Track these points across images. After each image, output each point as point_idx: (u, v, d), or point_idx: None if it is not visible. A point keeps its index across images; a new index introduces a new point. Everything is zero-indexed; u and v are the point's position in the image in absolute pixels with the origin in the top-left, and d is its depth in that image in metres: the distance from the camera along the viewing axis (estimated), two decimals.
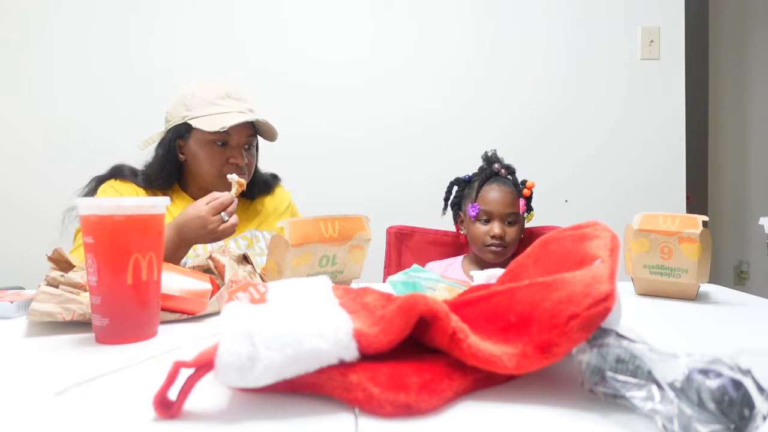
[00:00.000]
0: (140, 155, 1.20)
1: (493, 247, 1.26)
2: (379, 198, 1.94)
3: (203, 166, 1.13)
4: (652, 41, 2.03)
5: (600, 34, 2.03)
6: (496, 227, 1.25)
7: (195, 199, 1.17)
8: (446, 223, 1.46)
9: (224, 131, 1.08)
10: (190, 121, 1.11)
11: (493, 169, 1.31)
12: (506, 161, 1.38)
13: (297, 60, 1.97)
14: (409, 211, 1.79)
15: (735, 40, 2.76)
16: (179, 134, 1.14)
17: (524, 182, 1.31)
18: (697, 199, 2.89)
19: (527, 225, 1.35)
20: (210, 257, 0.78)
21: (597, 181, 2.03)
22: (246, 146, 1.15)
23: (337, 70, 1.98)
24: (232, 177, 1.02)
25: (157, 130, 1.21)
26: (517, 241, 1.29)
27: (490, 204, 1.27)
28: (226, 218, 0.98)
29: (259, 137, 1.20)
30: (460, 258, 1.39)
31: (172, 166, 1.16)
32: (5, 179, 1.90)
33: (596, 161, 2.03)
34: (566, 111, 2.03)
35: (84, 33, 1.92)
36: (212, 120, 1.09)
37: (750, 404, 0.30)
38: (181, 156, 1.16)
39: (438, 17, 2.01)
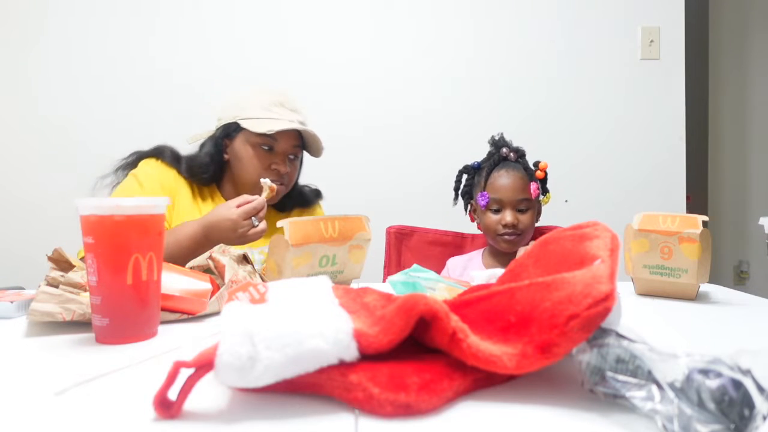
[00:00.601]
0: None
1: (506, 236, 1.20)
2: (378, 198, 1.94)
3: (245, 167, 1.13)
4: (652, 41, 2.03)
5: (600, 34, 2.03)
6: (507, 216, 1.19)
7: (227, 200, 1.17)
8: (446, 223, 1.46)
9: (271, 137, 1.09)
10: (240, 122, 1.11)
11: (501, 154, 1.24)
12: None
13: (297, 60, 1.97)
14: (408, 210, 1.79)
15: (735, 40, 2.76)
16: (227, 133, 1.15)
17: (537, 164, 1.24)
18: (697, 199, 2.89)
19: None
20: (210, 257, 0.78)
21: (597, 181, 2.03)
22: (291, 156, 1.16)
23: (337, 70, 1.98)
24: (265, 181, 1.01)
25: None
26: (532, 227, 1.23)
27: (499, 191, 1.20)
28: (257, 223, 0.98)
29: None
30: (480, 251, 1.34)
31: (218, 164, 1.16)
32: (5, 179, 1.90)
33: (596, 161, 2.03)
34: (566, 111, 2.03)
35: (84, 33, 1.92)
36: (262, 123, 1.10)
37: (750, 404, 0.30)
38: (225, 155, 1.16)
39: (437, 17, 2.01)
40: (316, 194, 1.32)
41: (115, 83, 1.92)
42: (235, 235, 0.96)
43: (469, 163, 1.31)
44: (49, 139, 1.91)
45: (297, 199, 1.28)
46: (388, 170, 1.99)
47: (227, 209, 0.97)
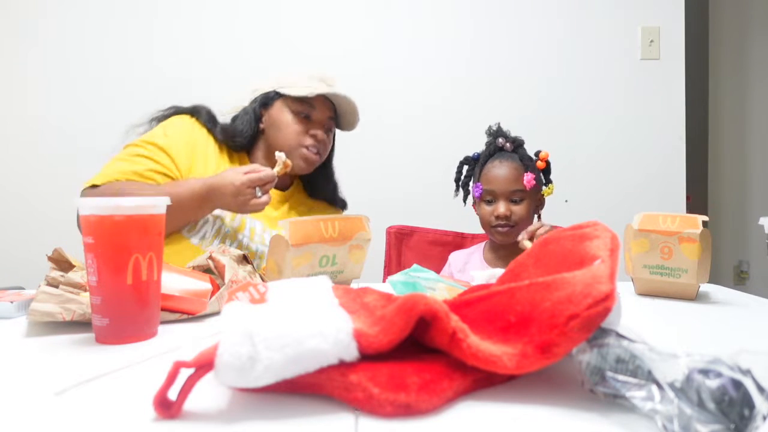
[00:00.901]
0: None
1: (499, 228, 1.18)
2: (379, 198, 1.94)
3: (283, 133, 1.12)
4: (652, 41, 2.03)
5: (600, 34, 2.03)
6: (500, 207, 1.17)
7: None
8: (447, 223, 1.46)
9: (310, 104, 1.11)
10: (279, 89, 1.13)
11: (497, 144, 1.23)
12: None
13: (295, 60, 1.97)
14: (409, 211, 1.79)
15: (735, 40, 2.76)
16: (265, 102, 1.15)
17: (537, 153, 1.22)
18: (697, 199, 2.89)
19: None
20: (210, 257, 0.78)
21: (597, 181, 2.03)
22: (326, 128, 1.16)
23: (336, 70, 1.98)
24: (280, 155, 1.01)
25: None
26: (528, 218, 1.20)
27: (492, 182, 1.19)
28: (259, 194, 0.96)
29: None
30: (481, 245, 1.33)
31: (254, 132, 1.16)
32: (5, 179, 1.90)
33: (596, 161, 2.03)
34: (566, 111, 2.03)
35: (83, 33, 1.92)
36: (301, 90, 1.11)
37: (750, 404, 0.30)
38: (260, 125, 1.16)
39: (437, 17, 2.01)
40: (344, 203, 1.33)
41: (115, 83, 1.92)
42: (236, 201, 0.95)
43: (470, 153, 1.30)
44: (49, 139, 1.91)
45: (332, 190, 1.28)
46: (389, 170, 1.99)
47: (235, 173, 0.96)
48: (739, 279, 2.76)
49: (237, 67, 1.93)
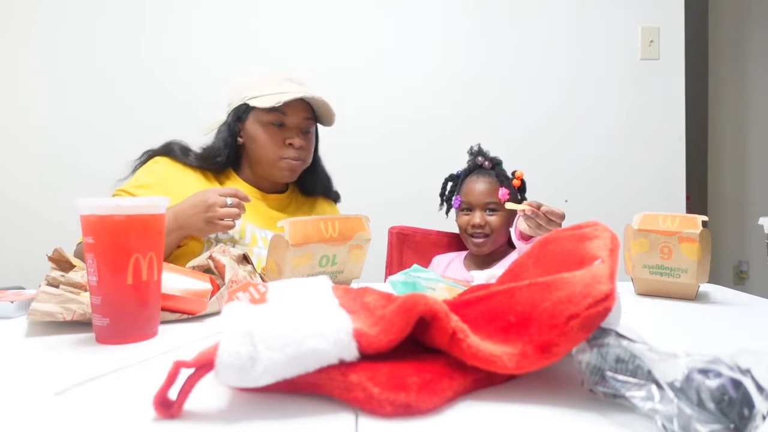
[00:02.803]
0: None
1: (474, 237, 1.31)
2: (381, 199, 1.95)
3: (261, 147, 1.12)
4: (652, 41, 2.03)
5: (600, 34, 2.03)
6: (476, 216, 1.30)
7: (249, 184, 1.16)
8: (449, 224, 1.46)
9: (281, 111, 1.09)
10: (248, 101, 1.10)
11: (476, 162, 1.37)
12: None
13: (302, 61, 1.96)
14: (411, 212, 1.79)
15: (735, 40, 2.76)
16: (239, 116, 1.14)
17: (514, 172, 1.34)
18: (696, 199, 2.90)
19: None
20: (210, 257, 0.78)
21: (597, 180, 2.03)
22: (304, 130, 1.14)
23: (341, 74, 1.98)
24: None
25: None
26: (503, 229, 1.30)
27: (469, 195, 1.32)
28: (230, 201, 0.95)
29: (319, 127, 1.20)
30: (464, 253, 1.41)
31: (233, 148, 1.15)
32: (5, 179, 1.90)
33: (596, 161, 2.03)
34: (566, 111, 2.03)
35: (79, 33, 1.92)
36: (270, 99, 1.09)
37: (749, 404, 0.30)
38: (239, 139, 1.15)
39: (437, 17, 2.01)
40: (337, 195, 1.32)
41: (117, 84, 1.92)
42: (204, 216, 0.93)
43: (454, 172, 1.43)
44: (49, 140, 1.91)
45: (324, 183, 1.27)
46: (392, 171, 1.99)
47: (209, 191, 0.95)
48: (739, 279, 2.76)
49: (226, 69, 1.93)
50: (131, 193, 1.08)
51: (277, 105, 1.06)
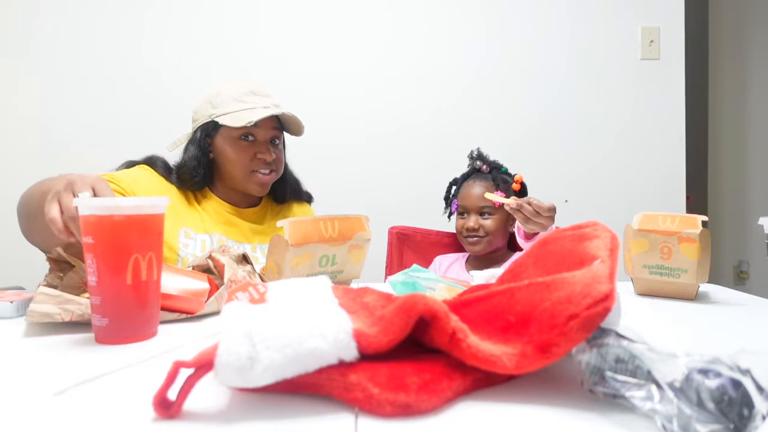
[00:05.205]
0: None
1: (469, 239, 1.33)
2: (382, 199, 1.94)
3: (231, 163, 1.11)
4: (652, 41, 2.03)
5: (600, 34, 2.03)
6: (470, 220, 1.32)
7: (224, 200, 1.16)
8: (449, 224, 1.46)
9: (250, 126, 1.08)
10: (216, 119, 1.10)
11: (474, 167, 1.39)
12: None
13: (301, 62, 1.96)
14: (411, 212, 1.79)
15: (735, 40, 2.76)
16: (207, 132, 1.13)
17: (513, 176, 1.36)
18: (696, 199, 2.90)
19: None
20: (210, 257, 0.78)
21: (597, 180, 2.03)
22: (273, 141, 1.15)
23: (341, 75, 1.98)
24: None
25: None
26: (498, 232, 1.32)
27: (465, 199, 1.35)
28: (82, 196, 0.62)
29: (286, 135, 1.20)
30: (465, 256, 1.41)
31: (206, 167, 1.14)
32: (5, 179, 1.90)
33: (596, 161, 2.03)
34: (566, 111, 2.03)
35: (79, 33, 1.92)
36: (238, 116, 1.08)
37: (749, 404, 0.30)
38: (210, 155, 1.15)
39: (437, 18, 2.01)
40: (309, 196, 1.32)
41: (116, 84, 1.92)
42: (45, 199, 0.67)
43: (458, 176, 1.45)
44: (49, 139, 1.91)
45: (294, 189, 1.27)
46: (392, 171, 1.99)
47: (74, 175, 0.67)
48: (739, 279, 2.76)
49: (226, 69, 1.93)
50: (117, 180, 1.04)
51: (248, 125, 1.06)
